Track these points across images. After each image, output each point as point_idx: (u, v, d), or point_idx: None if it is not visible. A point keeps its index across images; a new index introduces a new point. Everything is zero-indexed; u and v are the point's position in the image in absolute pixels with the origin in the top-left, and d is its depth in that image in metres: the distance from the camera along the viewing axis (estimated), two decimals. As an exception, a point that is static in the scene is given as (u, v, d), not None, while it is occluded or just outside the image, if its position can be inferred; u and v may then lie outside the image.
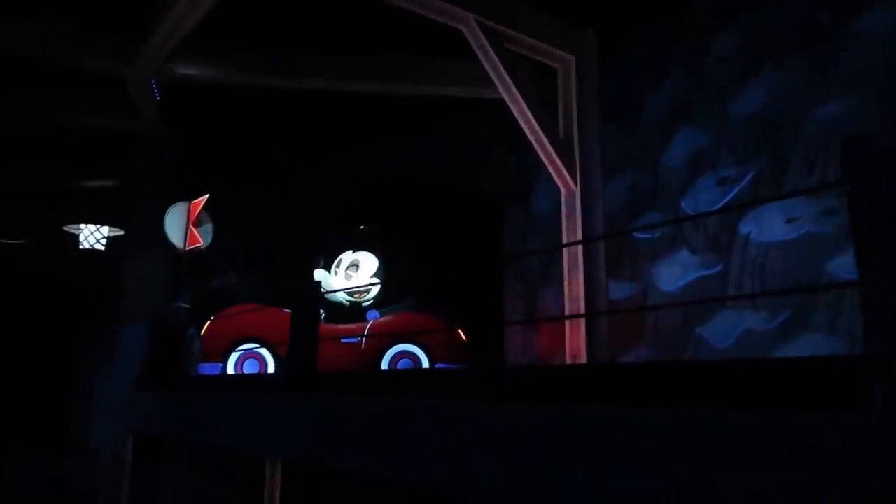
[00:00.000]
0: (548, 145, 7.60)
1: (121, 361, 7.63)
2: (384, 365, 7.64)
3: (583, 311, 7.50)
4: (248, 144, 9.84)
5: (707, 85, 6.78)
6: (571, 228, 7.72)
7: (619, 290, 7.26)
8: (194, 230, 8.91)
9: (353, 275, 8.30)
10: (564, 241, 7.79)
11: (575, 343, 7.52)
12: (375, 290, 8.17)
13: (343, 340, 7.64)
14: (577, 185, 7.70)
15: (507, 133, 9.52)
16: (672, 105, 7.10)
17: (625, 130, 7.56)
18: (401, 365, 7.61)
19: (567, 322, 7.61)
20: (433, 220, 9.52)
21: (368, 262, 8.32)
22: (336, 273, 8.43)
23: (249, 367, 7.69)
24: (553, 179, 8.36)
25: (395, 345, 7.58)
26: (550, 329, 8.21)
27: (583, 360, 7.39)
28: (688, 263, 6.66)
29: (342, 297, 8.32)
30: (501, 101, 9.02)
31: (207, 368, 7.67)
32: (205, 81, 8.98)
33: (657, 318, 6.76)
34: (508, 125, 9.54)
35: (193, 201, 8.95)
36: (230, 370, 7.67)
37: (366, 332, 7.68)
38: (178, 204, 8.95)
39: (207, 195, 8.71)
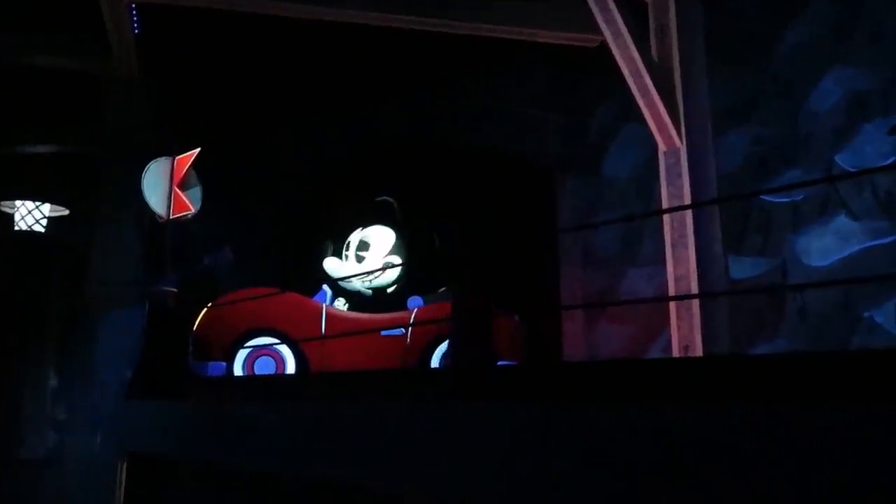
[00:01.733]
0: (652, 91, 6.11)
1: (102, 361, 5.76)
2: (434, 365, 5.98)
3: (696, 291, 6.04)
4: (246, 94, 8.02)
5: (867, 12, 5.39)
6: (675, 193, 6.30)
7: (743, 268, 5.91)
8: (180, 194, 7.08)
9: (363, 255, 6.59)
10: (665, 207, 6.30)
11: (686, 332, 6.07)
12: (394, 271, 6.46)
13: (383, 333, 5.95)
14: (682, 140, 6.22)
15: (556, 91, 8.03)
16: (816, 38, 5.70)
17: (745, 73, 6.13)
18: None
19: (674, 307, 6.14)
20: (466, 190, 7.88)
21: (382, 239, 6.62)
22: (346, 258, 6.70)
23: (262, 368, 5.93)
24: (636, 139, 6.94)
25: (446, 339, 5.93)
26: (638, 318, 6.70)
27: (697, 351, 5.95)
28: (848, 232, 5.24)
29: (358, 284, 6.57)
30: (550, 50, 7.57)
31: (208, 369, 5.87)
32: (196, 5, 7.15)
33: (805, 300, 5.33)
34: (558, 82, 8.07)
35: (178, 157, 7.11)
36: (237, 371, 5.87)
37: (411, 324, 6.00)
38: (158, 160, 7.14)
39: (197, 150, 6.89)
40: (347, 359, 5.92)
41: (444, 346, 6.06)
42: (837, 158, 5.56)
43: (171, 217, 7.08)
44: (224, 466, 4.74)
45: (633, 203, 6.96)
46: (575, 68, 7.60)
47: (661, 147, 6.38)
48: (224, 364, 5.94)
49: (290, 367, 5.99)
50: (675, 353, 6.15)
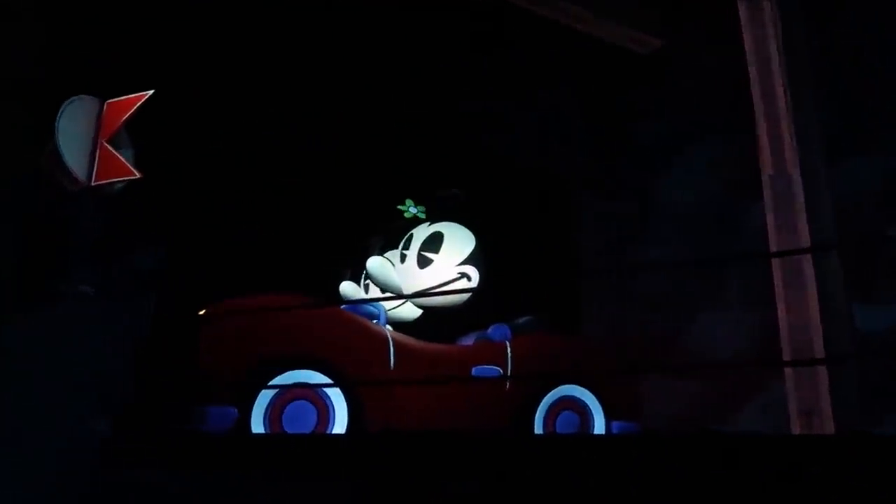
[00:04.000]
0: (780, 98, 5.14)
1: (16, 405, 3.27)
2: (538, 423, 4.28)
3: (818, 345, 5.05)
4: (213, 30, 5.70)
5: None
6: (785, 228, 5.29)
7: (874, 319, 4.95)
8: (113, 151, 4.72)
9: (431, 257, 4.74)
10: (774, 244, 5.29)
11: (808, 394, 5.01)
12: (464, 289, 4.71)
13: (475, 371, 4.14)
14: (795, 163, 5.31)
15: (589, 98, 6.78)
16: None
17: (862, 94, 5.40)
18: (562, 422, 4.36)
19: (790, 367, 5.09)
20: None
21: (457, 238, 4.83)
22: (404, 258, 4.78)
23: (296, 420, 3.82)
24: (703, 160, 5.96)
25: (554, 387, 4.28)
26: (714, 374, 5.54)
27: (826, 420, 4.91)
28: None
29: (386, 306, 4.66)
30: (593, 49, 6.42)
31: (207, 418, 3.67)
32: None
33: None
34: (594, 88, 6.80)
35: (111, 101, 4.77)
36: (255, 423, 3.69)
37: (510, 361, 4.25)
38: (80, 100, 4.76)
39: (147, 93, 4.66)
40: (424, 410, 4.00)
41: (553, 395, 4.35)
42: None
43: (92, 183, 4.62)
44: None
45: (699, 235, 5.86)
46: (617, 74, 6.47)
47: (768, 170, 5.42)
48: (231, 411, 3.70)
49: (339, 422, 3.88)
50: (794, 421, 5.03)
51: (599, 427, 4.43)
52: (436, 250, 4.78)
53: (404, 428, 3.96)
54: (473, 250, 4.79)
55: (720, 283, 5.73)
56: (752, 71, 5.19)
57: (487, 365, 4.27)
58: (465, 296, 4.65)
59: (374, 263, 4.59)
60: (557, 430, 4.34)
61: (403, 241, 4.96)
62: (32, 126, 4.95)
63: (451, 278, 4.67)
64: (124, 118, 4.76)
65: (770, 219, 5.43)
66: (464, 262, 4.75)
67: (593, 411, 4.46)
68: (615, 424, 4.46)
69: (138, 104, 4.74)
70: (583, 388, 4.43)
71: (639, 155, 6.39)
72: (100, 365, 3.19)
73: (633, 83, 6.41)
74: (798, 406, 5.12)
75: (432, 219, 5.00)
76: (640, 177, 6.33)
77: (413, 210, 5.98)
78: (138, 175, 4.59)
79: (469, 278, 4.70)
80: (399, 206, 5.83)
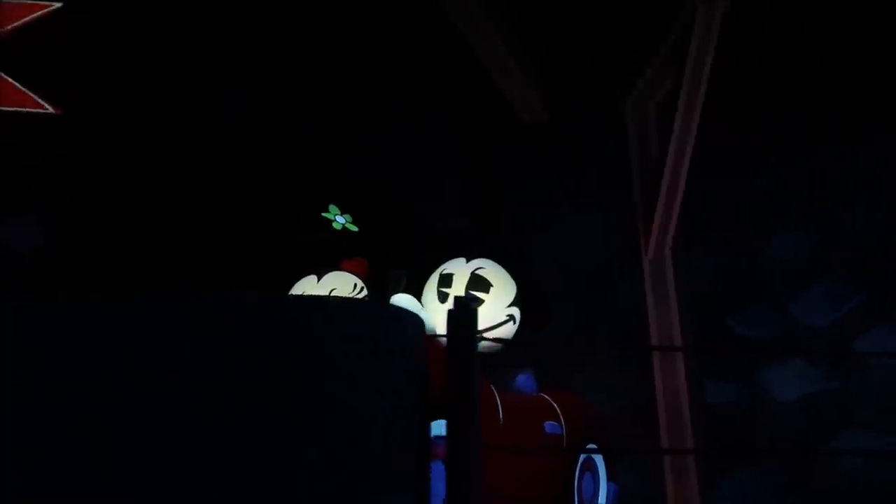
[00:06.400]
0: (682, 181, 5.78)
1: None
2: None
3: (688, 417, 5.81)
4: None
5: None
6: (663, 304, 5.98)
7: (716, 393, 5.93)
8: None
9: (482, 297, 4.17)
10: (653, 323, 5.92)
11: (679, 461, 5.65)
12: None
13: (547, 428, 3.85)
14: (671, 250, 6.09)
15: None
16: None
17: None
18: (585, 486, 4.22)
19: (665, 426, 5.71)
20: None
21: (502, 277, 4.33)
22: (444, 298, 4.15)
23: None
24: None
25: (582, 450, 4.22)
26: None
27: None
28: (808, 374, 5.99)
29: None
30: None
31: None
32: None
33: (774, 432, 5.81)
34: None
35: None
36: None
37: (561, 417, 4.01)
38: None
39: (56, 5, 3.68)
40: (509, 469, 3.48)
41: (583, 457, 4.08)
42: (791, 307, 6.21)
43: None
44: None
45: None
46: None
47: (648, 255, 5.96)
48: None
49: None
50: (668, 479, 5.49)
51: (603, 490, 4.28)
52: (485, 289, 4.10)
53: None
54: (517, 292, 4.25)
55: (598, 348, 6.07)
56: (667, 170, 5.63)
57: (551, 421, 3.80)
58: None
59: (405, 303, 3.74)
60: (584, 495, 4.06)
61: (439, 278, 4.21)
62: None
63: (501, 321, 4.05)
64: (14, 25, 2.93)
65: (649, 300, 5.98)
66: (512, 304, 4.17)
67: (601, 477, 4.28)
68: (611, 486, 4.35)
69: (36, 14, 2.98)
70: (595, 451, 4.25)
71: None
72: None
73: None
74: (671, 466, 5.65)
75: (466, 255, 4.30)
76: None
77: (340, 220, 5.07)
78: (51, 109, 2.87)
79: (515, 321, 4.14)
80: (324, 214, 4.94)
